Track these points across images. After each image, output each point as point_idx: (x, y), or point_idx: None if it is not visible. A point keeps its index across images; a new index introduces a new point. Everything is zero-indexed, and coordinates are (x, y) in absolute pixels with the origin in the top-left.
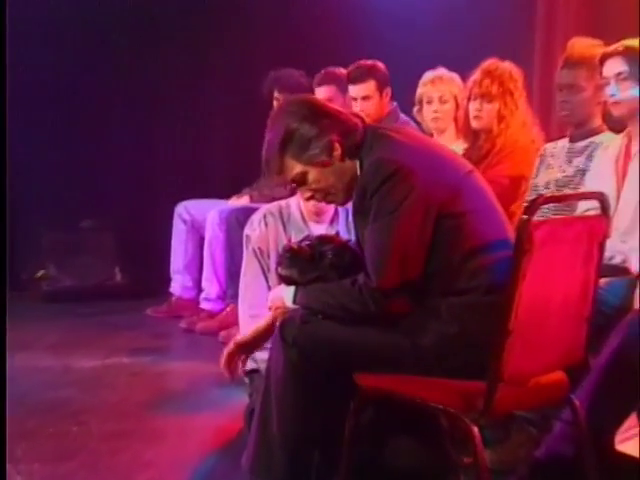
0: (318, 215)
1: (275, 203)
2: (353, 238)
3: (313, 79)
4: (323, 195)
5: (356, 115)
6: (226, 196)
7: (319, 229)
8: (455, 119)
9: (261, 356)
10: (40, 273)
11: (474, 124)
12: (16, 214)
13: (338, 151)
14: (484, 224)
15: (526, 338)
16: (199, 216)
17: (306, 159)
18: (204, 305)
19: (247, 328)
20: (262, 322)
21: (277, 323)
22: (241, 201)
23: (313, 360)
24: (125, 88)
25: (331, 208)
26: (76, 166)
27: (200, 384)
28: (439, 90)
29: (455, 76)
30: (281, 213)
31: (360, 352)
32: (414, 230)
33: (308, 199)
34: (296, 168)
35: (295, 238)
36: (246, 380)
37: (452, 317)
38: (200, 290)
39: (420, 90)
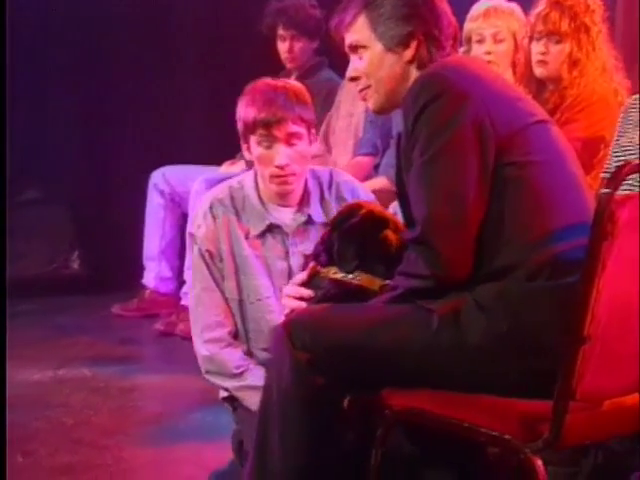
0: (281, 197)
1: (224, 185)
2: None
3: (328, 10)
4: (364, 84)
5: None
6: (215, 161)
7: (284, 213)
8: (513, 64)
9: (233, 384)
10: None
11: (538, 71)
12: None
13: (411, 51)
14: (560, 189)
15: (605, 347)
16: (181, 187)
17: (379, 32)
18: (187, 301)
19: (205, 357)
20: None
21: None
22: (235, 168)
23: (327, 371)
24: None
25: (299, 187)
26: (13, 120)
27: (180, 404)
28: (493, 25)
29: (515, 7)
30: (232, 199)
31: (389, 357)
32: (472, 163)
33: (350, 80)
34: (363, 32)
35: (254, 230)
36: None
37: (502, 310)
38: (181, 282)
39: (468, 26)
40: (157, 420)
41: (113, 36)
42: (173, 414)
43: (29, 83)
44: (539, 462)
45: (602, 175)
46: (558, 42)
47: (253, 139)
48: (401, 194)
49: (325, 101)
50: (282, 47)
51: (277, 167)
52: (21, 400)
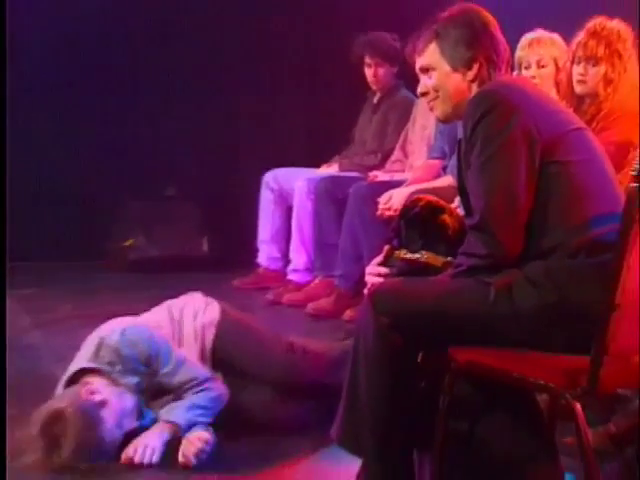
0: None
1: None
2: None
3: (406, 43)
4: (432, 97)
5: (509, 61)
6: (315, 164)
7: None
8: (556, 84)
9: None
10: (129, 242)
11: (578, 89)
12: (96, 180)
13: (474, 71)
14: (595, 183)
15: (633, 312)
16: (287, 185)
17: (447, 56)
18: (292, 276)
19: None
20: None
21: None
22: (330, 169)
23: (405, 332)
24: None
25: None
26: (157, 132)
27: None
28: (537, 54)
29: (556, 37)
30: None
31: (454, 321)
32: (521, 163)
33: (421, 95)
34: (434, 56)
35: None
36: None
37: (551, 284)
38: (287, 261)
39: (518, 54)
40: None
41: (229, 53)
42: None
43: (153, 89)
44: (578, 406)
45: (631, 172)
46: (595, 65)
47: None
48: (461, 189)
49: (403, 115)
50: (368, 72)
51: None
52: None
